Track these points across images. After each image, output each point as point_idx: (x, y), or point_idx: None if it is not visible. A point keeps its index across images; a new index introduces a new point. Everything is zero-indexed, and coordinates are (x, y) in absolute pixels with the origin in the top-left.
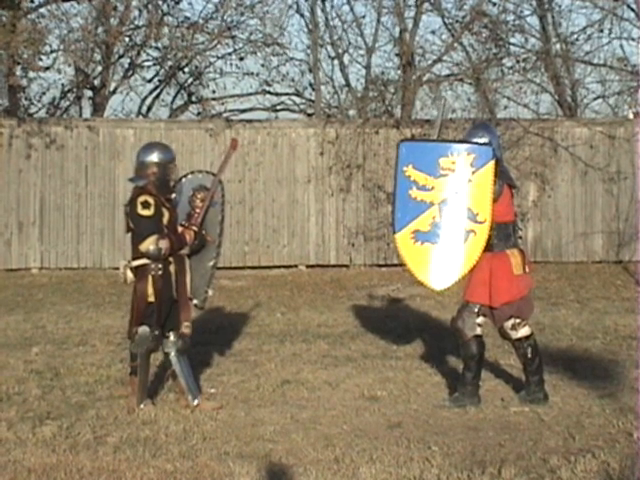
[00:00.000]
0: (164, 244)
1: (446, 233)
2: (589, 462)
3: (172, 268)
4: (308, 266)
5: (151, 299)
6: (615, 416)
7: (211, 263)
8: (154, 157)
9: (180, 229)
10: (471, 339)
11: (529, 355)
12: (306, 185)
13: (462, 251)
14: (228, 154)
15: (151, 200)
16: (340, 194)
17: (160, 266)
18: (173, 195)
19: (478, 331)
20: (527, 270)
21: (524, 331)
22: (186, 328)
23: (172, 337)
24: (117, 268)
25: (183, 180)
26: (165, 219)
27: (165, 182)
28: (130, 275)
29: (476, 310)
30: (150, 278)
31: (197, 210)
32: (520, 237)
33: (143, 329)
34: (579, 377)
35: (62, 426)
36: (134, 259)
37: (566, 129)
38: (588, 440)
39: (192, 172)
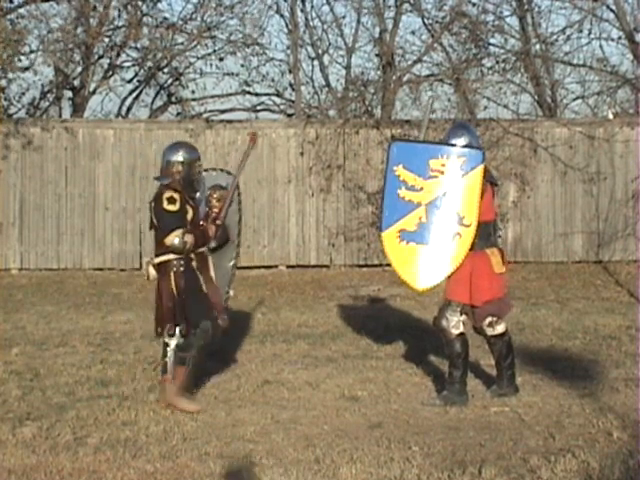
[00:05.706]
0: (189, 238)
1: (432, 234)
2: (569, 462)
3: (194, 264)
4: (288, 266)
5: (175, 294)
6: (595, 416)
7: (231, 263)
8: (179, 156)
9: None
10: (455, 337)
11: (504, 351)
12: (286, 185)
13: (446, 253)
14: (247, 150)
15: (176, 196)
16: (320, 194)
17: (182, 262)
18: (197, 193)
19: (461, 329)
20: (505, 269)
21: (500, 328)
22: (223, 320)
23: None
24: (97, 269)
25: None
26: (189, 216)
27: (190, 181)
28: (153, 272)
29: (458, 308)
30: (172, 275)
31: (214, 210)
32: (499, 236)
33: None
34: (559, 377)
35: (42, 427)
36: (157, 256)
37: (546, 129)
38: (568, 440)
39: (206, 170)
